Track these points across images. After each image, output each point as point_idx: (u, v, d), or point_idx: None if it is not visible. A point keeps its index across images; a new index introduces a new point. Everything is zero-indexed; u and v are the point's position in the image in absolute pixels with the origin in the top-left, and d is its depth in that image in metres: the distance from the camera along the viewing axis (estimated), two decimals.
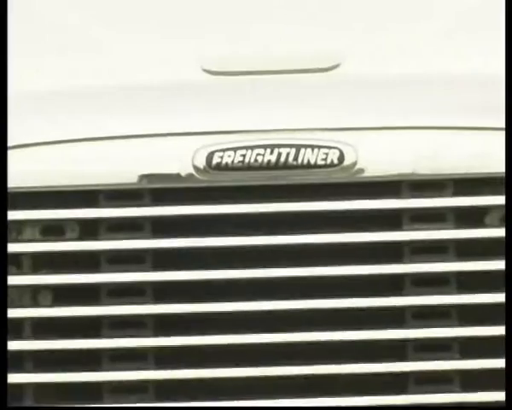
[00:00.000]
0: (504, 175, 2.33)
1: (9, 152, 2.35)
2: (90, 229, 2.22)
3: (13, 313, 2.25)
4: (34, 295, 2.25)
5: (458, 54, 2.57)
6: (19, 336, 2.24)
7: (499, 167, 2.24)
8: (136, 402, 2.28)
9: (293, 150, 2.16)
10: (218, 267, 2.17)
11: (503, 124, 2.34)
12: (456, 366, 2.21)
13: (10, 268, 2.29)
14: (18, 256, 2.24)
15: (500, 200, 2.22)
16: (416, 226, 2.18)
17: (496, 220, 2.21)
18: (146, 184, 2.20)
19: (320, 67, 2.33)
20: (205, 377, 2.21)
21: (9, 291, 2.29)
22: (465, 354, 2.20)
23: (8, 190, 2.30)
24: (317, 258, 2.19)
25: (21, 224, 2.26)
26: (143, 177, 2.19)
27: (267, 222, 2.19)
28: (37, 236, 2.25)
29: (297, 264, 2.16)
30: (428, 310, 2.19)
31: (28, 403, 2.31)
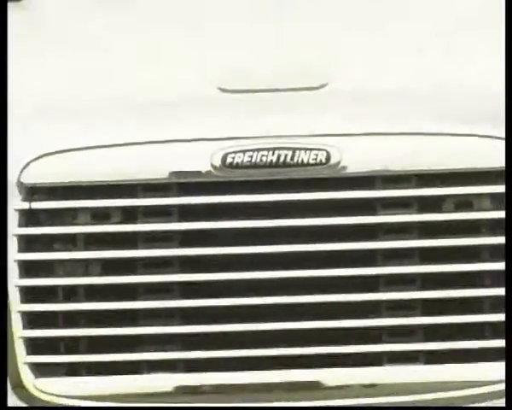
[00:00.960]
0: (502, 171, 2.62)
1: (69, 153, 2.70)
2: (129, 214, 2.56)
3: (69, 281, 2.62)
4: (86, 267, 2.60)
5: (429, 70, 2.92)
6: (74, 300, 2.60)
7: (455, 164, 2.57)
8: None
9: (290, 152, 2.47)
10: (230, 244, 2.52)
11: (465, 130, 2.66)
12: (419, 321, 2.54)
13: (67, 245, 2.64)
14: (74, 236, 2.59)
15: (455, 190, 2.55)
16: (386, 212, 2.51)
17: (451, 206, 2.55)
18: (174, 179, 2.52)
19: (312, 85, 2.67)
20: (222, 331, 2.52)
21: (65, 264, 2.64)
22: (426, 313, 2.54)
23: (67, 184, 2.65)
24: (310, 237, 2.51)
25: (76, 210, 2.60)
26: (172, 173, 2.51)
27: (269, 209, 2.51)
28: (89, 220, 2.58)
29: (293, 241, 2.50)
30: (396, 277, 2.53)
31: (82, 351, 2.65)
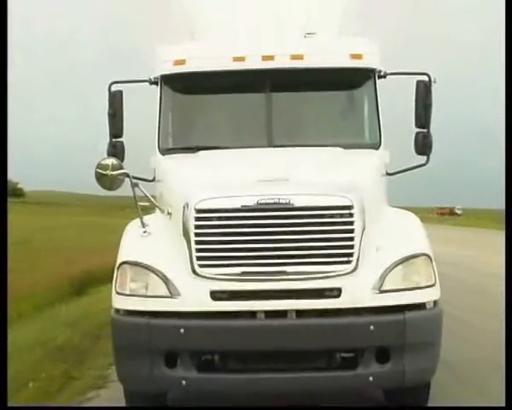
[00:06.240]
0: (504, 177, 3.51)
1: (214, 199, 4.07)
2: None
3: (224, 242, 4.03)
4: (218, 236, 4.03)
5: (324, 172, 4.41)
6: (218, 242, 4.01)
7: (324, 203, 4.03)
8: None
9: (278, 199, 4.01)
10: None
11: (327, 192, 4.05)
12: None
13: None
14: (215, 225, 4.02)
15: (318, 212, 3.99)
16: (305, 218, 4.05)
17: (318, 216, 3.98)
18: (249, 207, 4.01)
19: (285, 179, 4.23)
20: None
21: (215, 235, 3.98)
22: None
23: (213, 208, 4.05)
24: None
25: (215, 218, 4.04)
26: (244, 205, 4.01)
27: (273, 216, 4.05)
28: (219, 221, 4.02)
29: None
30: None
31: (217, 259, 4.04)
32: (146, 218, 4.51)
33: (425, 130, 4.99)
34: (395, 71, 5.19)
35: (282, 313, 4.04)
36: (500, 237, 7.11)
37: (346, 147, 4.94)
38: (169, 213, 4.45)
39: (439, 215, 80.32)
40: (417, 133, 5.03)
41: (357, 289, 4.08)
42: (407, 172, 5.10)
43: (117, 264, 4.30)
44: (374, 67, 5.09)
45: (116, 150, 5.03)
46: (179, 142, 5.19)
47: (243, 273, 4.04)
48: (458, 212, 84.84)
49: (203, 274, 4.08)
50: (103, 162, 4.44)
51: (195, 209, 4.08)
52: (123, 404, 4.66)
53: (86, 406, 4.21)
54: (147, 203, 4.58)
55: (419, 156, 5.08)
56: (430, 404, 4.53)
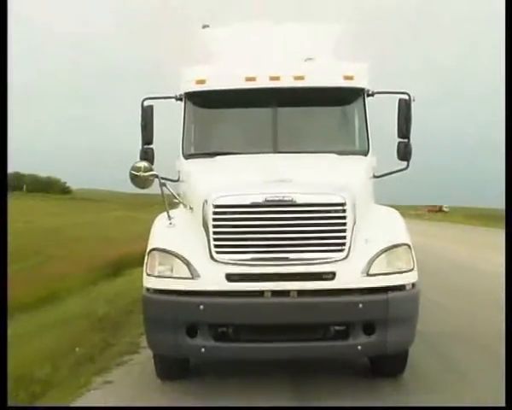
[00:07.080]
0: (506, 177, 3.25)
1: (228, 196, 3.97)
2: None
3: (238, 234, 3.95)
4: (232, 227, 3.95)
5: (318, 176, 4.28)
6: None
7: (320, 200, 3.97)
8: None
9: (282, 196, 3.96)
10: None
11: (321, 191, 3.98)
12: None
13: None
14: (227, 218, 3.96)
15: (313, 208, 3.92)
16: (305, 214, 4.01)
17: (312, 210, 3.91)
18: (264, 203, 3.96)
19: (287, 179, 4.17)
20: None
21: (233, 226, 3.87)
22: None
23: (227, 203, 3.95)
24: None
25: (229, 213, 3.96)
26: (254, 201, 3.96)
27: (275, 211, 3.97)
28: (231, 215, 3.95)
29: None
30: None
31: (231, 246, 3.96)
32: (171, 212, 4.46)
33: (406, 140, 4.93)
34: (381, 90, 5.14)
35: (285, 293, 4.03)
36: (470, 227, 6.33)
37: (339, 153, 4.90)
38: (191, 208, 4.43)
39: (429, 212, 79.68)
40: (399, 143, 4.96)
41: (349, 273, 4.06)
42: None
43: (147, 250, 4.27)
44: (363, 86, 5.06)
45: (147, 155, 4.97)
46: (200, 148, 5.12)
47: (253, 259, 4.03)
48: (446, 210, 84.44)
49: (219, 259, 4.06)
50: (136, 165, 4.40)
51: (213, 205, 4.06)
52: (152, 366, 4.67)
53: (86, 406, 3.91)
54: (174, 200, 4.54)
55: (400, 162, 5.05)
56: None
